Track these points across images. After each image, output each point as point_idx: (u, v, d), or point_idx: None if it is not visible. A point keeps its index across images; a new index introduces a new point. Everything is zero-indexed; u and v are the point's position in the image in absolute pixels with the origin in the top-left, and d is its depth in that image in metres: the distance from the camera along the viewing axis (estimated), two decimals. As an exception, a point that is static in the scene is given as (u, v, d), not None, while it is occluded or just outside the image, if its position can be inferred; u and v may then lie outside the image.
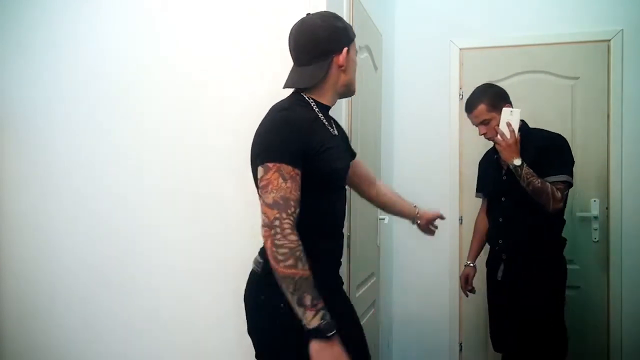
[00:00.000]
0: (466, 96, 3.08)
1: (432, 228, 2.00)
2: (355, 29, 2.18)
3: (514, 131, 2.14)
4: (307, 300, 1.23)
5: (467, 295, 2.65)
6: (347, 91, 1.55)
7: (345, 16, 2.11)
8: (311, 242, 1.32)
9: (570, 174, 2.20)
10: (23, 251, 2.28)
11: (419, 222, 1.97)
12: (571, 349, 2.93)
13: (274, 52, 1.97)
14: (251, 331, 1.50)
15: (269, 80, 1.97)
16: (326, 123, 1.48)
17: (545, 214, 2.18)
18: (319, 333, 1.22)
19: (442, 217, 2.00)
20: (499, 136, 2.16)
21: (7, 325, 2.31)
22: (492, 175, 2.41)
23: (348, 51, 1.47)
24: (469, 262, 2.62)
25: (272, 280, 1.28)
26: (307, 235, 1.31)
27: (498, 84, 3.01)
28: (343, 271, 2.06)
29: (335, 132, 1.52)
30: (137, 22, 2.14)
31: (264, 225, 1.28)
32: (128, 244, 2.14)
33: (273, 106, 1.46)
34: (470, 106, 2.29)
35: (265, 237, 1.27)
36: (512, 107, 2.20)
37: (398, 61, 3.25)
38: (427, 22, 3.18)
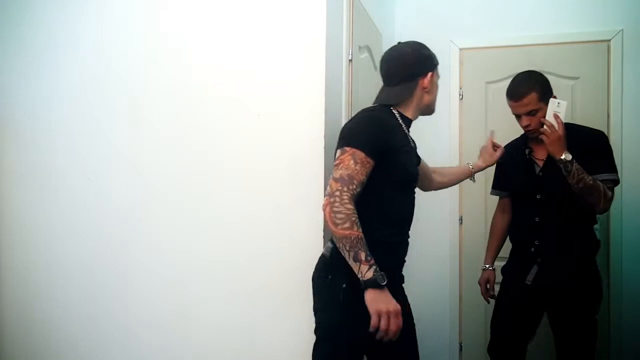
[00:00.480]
0: (466, 96, 3.11)
1: (497, 150, 2.20)
2: (355, 29, 2.20)
3: (562, 123, 1.99)
4: (362, 256, 1.43)
5: (488, 302, 2.44)
6: (428, 109, 1.76)
7: (345, 16, 2.12)
8: (375, 232, 1.54)
9: (617, 172, 2.09)
10: (22, 252, 2.28)
11: (482, 165, 2.21)
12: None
13: (273, 52, 1.98)
14: (316, 308, 1.68)
15: (271, 80, 1.98)
16: (407, 132, 1.69)
17: (584, 213, 2.08)
18: (373, 283, 1.43)
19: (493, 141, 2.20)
20: (545, 128, 2.00)
21: (6, 327, 2.31)
22: (522, 171, 2.21)
23: (432, 76, 1.71)
24: (487, 266, 2.44)
25: (339, 263, 1.51)
26: (374, 229, 1.53)
27: (498, 84, 3.04)
28: (343, 271, 2.07)
29: (413, 143, 1.73)
30: (137, 22, 2.14)
31: (325, 195, 1.49)
32: (127, 246, 2.14)
33: (362, 109, 1.69)
34: (519, 94, 2.08)
35: (324, 205, 1.48)
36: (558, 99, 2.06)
37: (398, 61, 3.24)
38: (427, 22, 3.18)
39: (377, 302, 1.43)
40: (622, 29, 2.87)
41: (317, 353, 1.63)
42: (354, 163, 1.49)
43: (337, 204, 1.45)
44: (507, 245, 2.38)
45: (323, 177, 1.91)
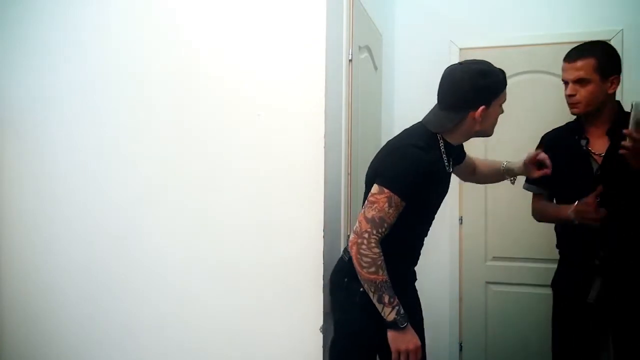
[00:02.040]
0: (466, 96, 3.10)
1: (543, 164, 1.89)
2: (355, 29, 2.20)
3: None
4: (386, 299, 1.52)
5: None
6: (481, 135, 1.69)
7: (345, 16, 2.11)
8: (395, 255, 1.59)
9: None
10: (22, 252, 2.28)
11: (516, 172, 1.99)
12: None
13: (273, 52, 1.97)
14: (333, 308, 1.78)
15: (271, 79, 1.98)
16: (446, 161, 1.67)
17: None
18: (394, 325, 1.53)
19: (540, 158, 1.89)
20: (627, 142, 1.64)
21: (6, 327, 2.31)
22: (575, 166, 1.86)
23: (487, 107, 1.60)
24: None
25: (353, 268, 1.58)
26: (394, 249, 1.58)
27: (498, 84, 3.04)
28: (343, 271, 2.06)
29: (450, 168, 1.71)
30: (138, 22, 2.14)
31: (354, 232, 1.55)
32: (127, 245, 2.13)
33: (409, 136, 1.65)
34: (575, 54, 1.81)
35: (352, 242, 1.54)
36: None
37: (398, 61, 3.24)
38: (427, 22, 3.17)
39: (397, 341, 1.54)
40: (622, 29, 2.87)
41: (334, 351, 1.74)
42: (389, 207, 1.53)
43: (364, 246, 1.51)
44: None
45: (323, 176, 1.91)
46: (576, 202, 1.83)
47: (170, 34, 2.10)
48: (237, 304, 2.01)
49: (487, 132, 1.68)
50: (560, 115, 2.94)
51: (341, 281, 1.70)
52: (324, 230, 1.89)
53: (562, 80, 1.89)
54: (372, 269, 1.51)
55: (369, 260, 1.51)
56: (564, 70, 1.86)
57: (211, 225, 2.04)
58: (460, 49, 3.11)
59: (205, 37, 2.06)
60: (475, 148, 3.04)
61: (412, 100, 3.21)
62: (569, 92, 1.84)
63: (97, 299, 2.17)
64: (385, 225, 1.53)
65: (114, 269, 2.15)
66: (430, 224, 1.78)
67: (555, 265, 2.01)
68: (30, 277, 2.27)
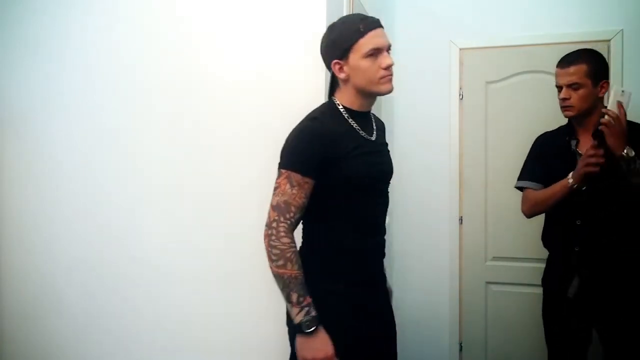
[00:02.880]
0: (466, 96, 3.11)
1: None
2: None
3: (625, 115, 1.77)
4: (294, 297, 1.38)
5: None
6: (370, 94, 1.53)
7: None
8: (338, 240, 1.49)
9: None
10: (22, 251, 2.28)
11: None
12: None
13: (273, 51, 1.98)
14: None
15: (271, 78, 1.98)
16: (358, 128, 1.51)
17: (633, 215, 1.88)
18: (300, 328, 1.37)
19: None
20: (607, 118, 1.77)
21: (6, 326, 2.31)
22: (563, 164, 1.95)
23: (342, 61, 1.48)
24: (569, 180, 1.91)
25: (309, 260, 1.47)
26: (336, 232, 1.49)
27: (498, 84, 3.04)
28: (343, 271, 2.06)
29: (373, 136, 1.55)
30: (139, 22, 2.14)
31: (265, 225, 1.43)
32: (128, 244, 2.14)
33: (308, 113, 1.54)
34: (568, 61, 1.90)
35: (264, 235, 1.43)
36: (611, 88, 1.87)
37: (398, 61, 3.23)
38: (427, 22, 3.18)
39: (303, 348, 1.39)
40: (622, 29, 2.87)
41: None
42: (290, 187, 1.41)
43: (273, 237, 1.40)
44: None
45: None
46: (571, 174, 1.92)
47: (170, 34, 2.10)
48: (238, 304, 2.01)
49: (365, 87, 1.49)
50: (560, 115, 2.95)
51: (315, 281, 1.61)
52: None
53: (556, 85, 1.98)
54: (281, 262, 1.38)
55: (277, 252, 1.38)
56: (557, 75, 1.95)
57: (213, 224, 2.04)
58: (460, 49, 3.11)
59: (205, 37, 2.06)
60: (475, 147, 3.06)
61: (412, 100, 3.21)
62: (563, 95, 1.91)
63: (98, 298, 2.18)
64: (293, 208, 1.40)
65: (114, 268, 2.15)
66: (379, 196, 1.58)
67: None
68: (30, 275, 2.27)
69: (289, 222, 1.41)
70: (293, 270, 1.39)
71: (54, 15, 2.24)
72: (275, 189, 1.43)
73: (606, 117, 1.79)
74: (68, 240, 2.22)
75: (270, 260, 1.40)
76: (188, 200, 2.07)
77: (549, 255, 2.11)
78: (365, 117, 1.56)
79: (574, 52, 1.94)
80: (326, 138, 1.45)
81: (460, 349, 3.14)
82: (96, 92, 2.19)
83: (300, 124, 1.50)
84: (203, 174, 2.06)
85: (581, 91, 1.88)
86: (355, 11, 2.21)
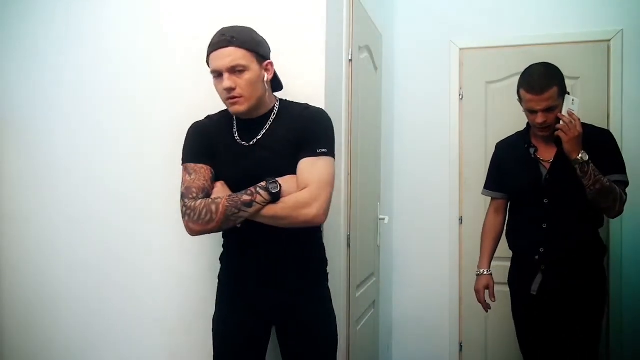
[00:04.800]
0: (466, 96, 3.11)
1: None
2: (355, 29, 2.20)
3: (579, 120, 1.88)
4: (243, 197, 1.47)
5: (487, 311, 2.34)
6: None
7: (345, 16, 2.12)
8: (226, 240, 1.68)
9: (626, 174, 2.00)
10: (23, 251, 2.28)
11: None
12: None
13: (273, 52, 1.97)
14: None
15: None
16: (236, 132, 1.59)
17: (591, 217, 1.99)
18: (270, 190, 1.48)
19: None
20: (563, 124, 1.88)
21: (6, 325, 2.31)
22: (526, 172, 2.05)
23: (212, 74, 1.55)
24: (483, 271, 2.28)
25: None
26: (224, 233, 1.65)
27: (498, 84, 3.04)
28: (342, 271, 2.07)
29: (245, 142, 1.57)
30: (138, 22, 2.14)
31: (182, 218, 1.52)
32: (128, 244, 2.14)
33: None
34: (541, 87, 1.90)
35: (185, 225, 1.51)
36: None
37: (398, 61, 3.24)
38: (427, 22, 3.18)
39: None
40: (622, 29, 2.87)
41: None
42: (189, 175, 1.54)
43: (190, 214, 1.48)
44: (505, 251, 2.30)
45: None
46: (477, 281, 2.30)
47: (170, 34, 2.10)
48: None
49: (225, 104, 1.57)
50: (560, 115, 2.96)
51: None
52: (323, 230, 1.89)
53: (528, 109, 1.96)
54: (212, 208, 1.46)
55: (202, 211, 1.46)
56: (530, 101, 1.93)
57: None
58: (460, 49, 3.11)
59: (205, 37, 2.06)
60: (475, 147, 3.06)
61: (412, 100, 3.22)
62: (540, 120, 1.93)
63: (98, 298, 2.17)
64: (194, 189, 1.51)
65: (114, 268, 2.15)
66: (230, 182, 1.57)
67: (598, 274, 2.10)
68: (31, 276, 2.27)
69: (191, 196, 1.50)
70: (220, 205, 1.46)
71: (54, 15, 2.24)
72: (181, 185, 1.55)
73: (562, 122, 1.90)
74: (68, 240, 2.21)
75: (210, 223, 1.46)
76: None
77: (513, 256, 2.22)
78: (250, 123, 1.58)
79: (541, 74, 1.93)
80: (204, 133, 1.61)
81: (460, 349, 3.15)
82: (96, 92, 2.18)
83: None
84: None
85: (556, 111, 1.93)
86: (356, 11, 2.21)
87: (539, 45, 2.99)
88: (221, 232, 1.70)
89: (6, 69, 2.30)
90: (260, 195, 1.45)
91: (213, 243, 2.04)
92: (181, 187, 1.54)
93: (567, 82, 2.90)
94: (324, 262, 1.69)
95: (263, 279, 1.58)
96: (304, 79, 1.92)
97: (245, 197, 1.45)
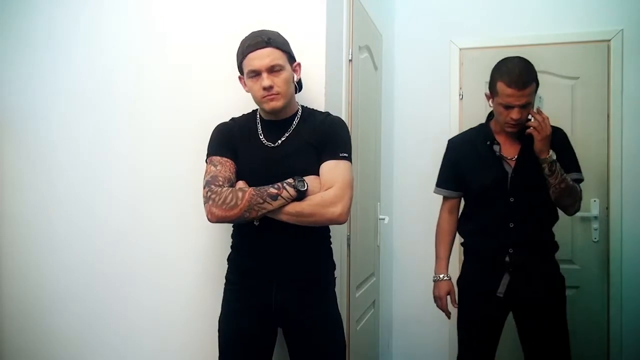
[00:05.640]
0: (466, 96, 3.11)
1: None
2: (355, 29, 2.20)
3: (548, 118, 1.86)
4: (270, 190, 1.50)
5: (449, 318, 2.23)
6: (260, 107, 1.65)
7: (345, 16, 2.12)
8: (236, 239, 1.70)
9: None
10: (23, 251, 2.28)
11: None
12: (571, 349, 2.93)
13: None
14: None
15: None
16: (261, 133, 1.65)
17: (550, 216, 2.02)
18: (295, 190, 1.53)
19: None
20: (537, 122, 1.86)
21: (6, 326, 2.31)
22: (490, 170, 1.99)
23: (242, 79, 1.65)
24: (442, 276, 2.16)
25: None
26: (234, 231, 1.70)
27: (498, 84, 3.05)
28: (342, 271, 2.07)
29: (270, 143, 1.62)
30: (137, 22, 2.14)
31: (204, 206, 1.54)
32: (128, 244, 2.13)
33: None
34: (525, 82, 1.84)
35: (207, 211, 1.52)
36: None
37: (398, 61, 3.24)
38: (427, 22, 3.18)
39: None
40: (622, 29, 2.87)
41: None
42: (214, 167, 1.58)
43: (214, 197, 1.50)
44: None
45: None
46: (437, 287, 2.17)
47: (169, 34, 2.10)
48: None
49: (258, 104, 1.63)
50: (560, 115, 2.95)
51: None
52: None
53: (505, 104, 1.89)
54: (239, 195, 1.48)
55: (226, 197, 1.49)
56: (509, 96, 1.85)
57: (213, 225, 2.03)
58: (460, 49, 3.11)
59: (205, 37, 2.06)
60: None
61: (412, 100, 3.22)
62: (516, 116, 1.87)
63: (98, 298, 2.17)
64: (220, 178, 1.54)
65: (114, 268, 2.15)
66: (253, 181, 1.56)
67: (557, 271, 2.09)
68: (30, 275, 2.27)
69: (217, 184, 1.53)
70: (246, 193, 1.49)
71: (54, 15, 2.24)
72: (204, 177, 1.57)
73: (533, 120, 1.86)
74: (68, 240, 2.21)
75: (233, 209, 1.48)
76: (189, 199, 2.07)
77: (472, 257, 2.11)
78: (276, 125, 1.64)
79: (523, 70, 1.86)
80: (229, 131, 1.66)
81: (460, 349, 3.14)
82: (96, 93, 2.18)
83: None
84: (204, 173, 2.05)
85: (529, 108, 1.88)
86: (356, 11, 2.21)
87: (539, 45, 2.99)
88: (231, 233, 1.72)
89: (6, 69, 2.30)
90: (287, 191, 1.49)
91: (214, 242, 2.04)
92: (205, 176, 1.57)
93: (567, 82, 2.97)
94: (332, 266, 1.71)
95: (272, 280, 1.60)
96: (304, 79, 1.92)
97: (272, 190, 1.49)
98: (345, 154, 1.59)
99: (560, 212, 2.06)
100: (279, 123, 1.64)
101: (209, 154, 1.64)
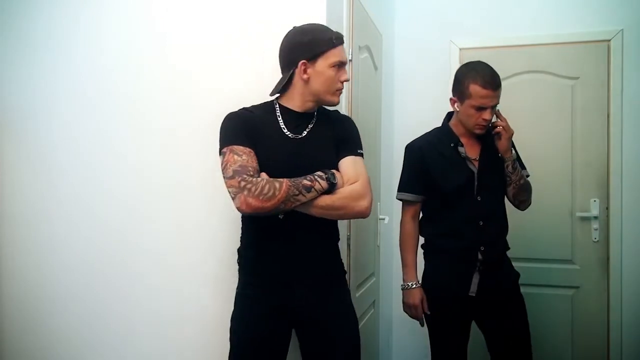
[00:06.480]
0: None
1: None
2: (355, 29, 2.20)
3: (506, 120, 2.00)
4: (304, 182, 1.48)
5: (423, 325, 2.13)
6: (321, 101, 1.62)
7: (345, 16, 2.12)
8: (242, 234, 1.65)
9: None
10: (23, 251, 2.28)
11: None
12: (571, 349, 2.93)
13: (273, 52, 1.98)
14: None
15: (272, 80, 1.98)
16: (283, 125, 1.60)
17: (506, 214, 2.10)
18: (330, 180, 1.52)
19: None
20: (503, 122, 1.98)
21: (6, 326, 2.31)
22: (457, 171, 2.02)
23: (309, 64, 1.56)
24: (412, 284, 2.08)
25: (239, 266, 1.65)
26: (243, 226, 1.64)
27: (498, 84, 3.05)
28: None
29: (295, 135, 1.59)
30: (137, 22, 2.14)
31: (233, 196, 1.45)
32: (128, 244, 2.14)
33: None
34: (497, 83, 1.94)
35: (241, 202, 1.43)
36: None
37: (398, 61, 3.24)
38: (427, 22, 3.18)
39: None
40: (622, 29, 2.87)
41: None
42: (238, 156, 1.48)
43: (251, 188, 1.42)
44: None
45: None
46: (410, 295, 2.09)
47: (169, 34, 2.10)
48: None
49: (320, 95, 1.58)
50: (560, 115, 2.96)
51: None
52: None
53: (480, 106, 1.94)
54: (276, 185, 1.43)
55: (262, 186, 1.42)
56: (484, 97, 1.92)
57: (213, 225, 2.04)
58: (460, 49, 3.11)
59: (205, 37, 2.06)
60: (475, 148, 3.05)
61: (412, 100, 3.22)
62: (489, 116, 1.94)
63: (98, 298, 2.17)
64: (250, 169, 1.46)
65: (114, 268, 2.15)
66: (275, 173, 1.51)
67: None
68: (30, 276, 2.27)
69: (249, 175, 1.45)
70: (284, 184, 1.44)
71: (54, 15, 2.23)
72: (225, 167, 1.48)
73: (499, 120, 1.98)
74: (68, 240, 2.21)
75: (271, 200, 1.42)
76: (189, 198, 2.07)
77: (438, 257, 2.10)
78: (299, 117, 1.62)
79: (494, 72, 1.96)
80: (248, 120, 1.57)
81: (460, 349, 3.14)
82: (96, 93, 2.18)
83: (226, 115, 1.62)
84: (203, 174, 2.05)
85: (495, 109, 1.98)
86: (356, 12, 2.21)
87: (539, 45, 2.99)
88: (243, 228, 1.68)
89: (6, 69, 2.30)
90: (319, 184, 1.48)
91: (214, 241, 2.04)
92: (229, 166, 1.46)
93: (567, 82, 2.97)
94: (342, 264, 1.72)
95: (292, 279, 1.58)
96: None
97: (306, 182, 1.47)
98: (361, 152, 1.63)
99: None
100: (300, 116, 1.62)
101: (227, 143, 1.52)
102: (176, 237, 2.08)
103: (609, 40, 2.89)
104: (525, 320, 2.07)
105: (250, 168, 1.47)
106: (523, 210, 2.14)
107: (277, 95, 1.66)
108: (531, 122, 2.88)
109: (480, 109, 1.94)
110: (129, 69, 2.14)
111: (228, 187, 1.46)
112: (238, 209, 1.45)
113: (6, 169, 2.31)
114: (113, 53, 2.16)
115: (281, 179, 1.45)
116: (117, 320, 2.15)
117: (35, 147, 2.27)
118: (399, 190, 2.16)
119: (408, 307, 2.11)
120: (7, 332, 2.31)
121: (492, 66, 2.00)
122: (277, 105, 1.64)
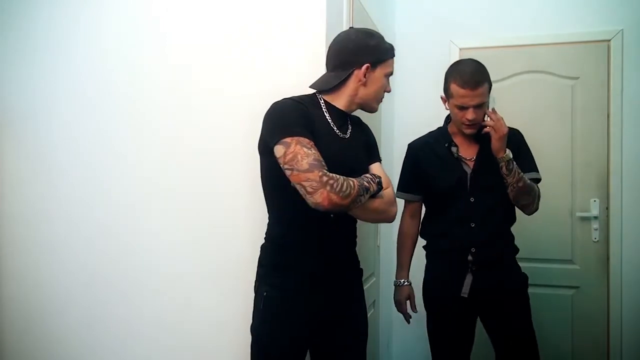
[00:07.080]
0: (466, 96, 3.11)
1: None
2: (355, 29, 2.19)
3: (503, 119, 1.90)
4: (369, 181, 1.47)
5: (409, 322, 2.20)
6: (366, 106, 1.62)
7: (345, 16, 2.11)
8: (282, 232, 1.55)
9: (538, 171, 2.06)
10: (23, 251, 2.28)
11: None
12: (571, 349, 2.93)
13: (273, 52, 1.98)
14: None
15: (272, 80, 1.98)
16: (330, 121, 1.55)
17: (509, 215, 2.05)
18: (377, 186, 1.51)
19: None
20: (493, 122, 1.90)
21: (6, 326, 2.31)
22: (450, 171, 2.02)
23: (370, 68, 1.54)
24: (403, 281, 2.15)
25: (262, 270, 1.57)
26: (279, 224, 1.57)
27: (498, 84, 3.03)
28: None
29: (343, 135, 1.57)
30: (138, 22, 2.14)
31: (310, 192, 1.33)
32: (128, 245, 2.14)
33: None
34: (477, 82, 1.88)
35: (324, 199, 1.33)
36: None
37: (398, 61, 3.23)
38: (427, 22, 3.18)
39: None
40: (622, 29, 2.87)
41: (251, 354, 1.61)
42: (308, 149, 1.37)
43: (333, 184, 1.33)
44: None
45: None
46: (398, 292, 2.17)
47: (169, 34, 2.10)
48: (239, 306, 2.00)
49: (369, 100, 1.58)
50: (560, 115, 2.95)
51: (255, 284, 1.60)
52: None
53: (459, 106, 1.93)
54: (351, 184, 1.37)
55: (341, 183, 1.35)
56: (464, 96, 1.90)
57: (213, 226, 2.04)
58: (460, 49, 3.11)
59: (205, 37, 2.06)
60: (475, 148, 3.05)
61: (412, 100, 3.21)
62: (470, 117, 1.91)
63: (98, 298, 2.17)
64: (324, 164, 1.36)
65: (114, 268, 2.15)
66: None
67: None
68: (30, 277, 2.27)
69: (326, 169, 1.36)
70: (355, 183, 1.39)
71: (54, 15, 2.24)
72: (293, 157, 1.35)
73: (489, 119, 1.91)
74: (68, 240, 2.21)
75: (347, 198, 1.35)
76: (190, 200, 2.07)
77: (434, 259, 2.12)
78: (342, 116, 1.60)
79: (475, 71, 1.91)
80: (305, 110, 1.48)
81: (460, 349, 3.14)
82: (96, 93, 2.18)
83: (274, 103, 1.51)
84: (203, 174, 2.05)
85: (483, 108, 1.93)
86: (356, 12, 2.21)
87: (539, 45, 2.99)
88: (281, 228, 1.59)
89: (6, 69, 2.30)
90: (373, 186, 1.47)
91: (215, 243, 2.04)
92: (301, 159, 1.34)
93: (567, 82, 2.97)
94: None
95: (327, 282, 1.54)
96: (305, 80, 1.92)
97: (365, 183, 1.43)
98: (380, 158, 1.70)
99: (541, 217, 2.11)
100: (343, 115, 1.59)
101: (290, 133, 1.39)
102: (176, 237, 2.08)
103: (609, 40, 2.89)
104: (529, 321, 2.02)
105: (324, 163, 1.37)
106: (528, 214, 2.05)
107: (315, 90, 1.60)
108: (531, 122, 2.88)
109: (462, 108, 1.93)
110: (129, 69, 2.14)
111: (303, 180, 1.34)
112: (316, 204, 1.34)
113: (6, 169, 2.31)
114: (113, 53, 2.16)
115: (351, 178, 1.40)
116: (116, 321, 2.15)
117: (35, 147, 2.27)
118: (397, 189, 2.17)
119: (395, 303, 2.22)
120: (7, 332, 2.31)
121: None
122: (322, 101, 1.57)
